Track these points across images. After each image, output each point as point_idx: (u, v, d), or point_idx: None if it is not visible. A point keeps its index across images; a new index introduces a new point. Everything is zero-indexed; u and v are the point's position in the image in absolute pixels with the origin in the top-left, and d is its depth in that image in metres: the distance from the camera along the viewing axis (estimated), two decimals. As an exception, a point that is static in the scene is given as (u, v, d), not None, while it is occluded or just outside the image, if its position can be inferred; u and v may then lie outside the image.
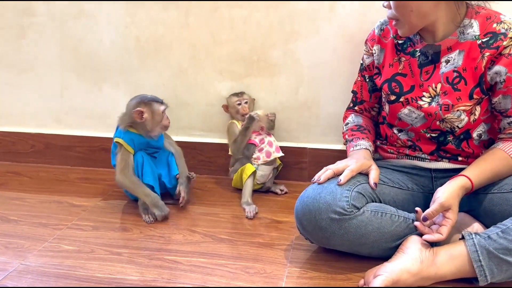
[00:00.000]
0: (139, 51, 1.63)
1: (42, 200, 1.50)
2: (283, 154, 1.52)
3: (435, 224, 1.05)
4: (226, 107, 1.58)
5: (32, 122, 1.80)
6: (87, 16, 1.62)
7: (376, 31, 1.24)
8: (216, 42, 1.57)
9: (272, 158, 1.50)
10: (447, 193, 1.01)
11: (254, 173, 1.46)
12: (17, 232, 1.28)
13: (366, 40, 1.27)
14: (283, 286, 1.03)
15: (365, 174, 1.12)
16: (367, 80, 1.30)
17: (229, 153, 1.55)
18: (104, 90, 1.70)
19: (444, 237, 1.00)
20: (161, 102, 1.39)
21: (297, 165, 1.63)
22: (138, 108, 1.35)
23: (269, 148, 1.50)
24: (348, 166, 1.10)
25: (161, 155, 1.45)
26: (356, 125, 1.30)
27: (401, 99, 1.16)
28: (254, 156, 1.49)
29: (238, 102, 1.53)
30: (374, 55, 1.24)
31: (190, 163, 1.55)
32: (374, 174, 1.11)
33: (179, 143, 1.54)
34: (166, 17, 1.57)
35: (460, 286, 1.00)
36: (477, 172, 1.06)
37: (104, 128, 1.74)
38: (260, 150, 1.50)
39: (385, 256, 1.05)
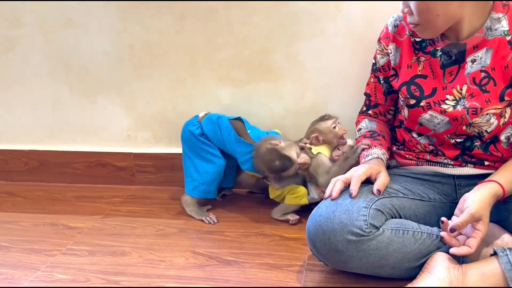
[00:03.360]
0: (134, 60, 1.54)
1: (36, 222, 1.41)
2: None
3: (461, 234, 0.95)
4: (317, 138, 1.31)
5: (24, 139, 1.71)
6: (77, 25, 1.53)
7: (390, 28, 1.13)
8: (215, 47, 1.47)
9: None
10: (478, 202, 0.91)
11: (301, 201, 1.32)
12: (8, 260, 1.20)
13: (379, 38, 1.16)
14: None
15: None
16: (382, 81, 1.19)
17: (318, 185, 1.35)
18: (98, 102, 1.61)
19: (473, 250, 0.91)
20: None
21: (306, 174, 1.52)
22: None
23: None
24: (355, 173, 1.01)
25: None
26: (369, 131, 1.20)
27: (422, 103, 1.06)
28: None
29: (334, 125, 1.33)
30: (390, 55, 1.14)
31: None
32: (380, 181, 1.01)
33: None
34: (160, 23, 1.48)
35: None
36: (508, 177, 0.97)
37: (100, 142, 1.66)
38: None
39: (409, 276, 0.96)
